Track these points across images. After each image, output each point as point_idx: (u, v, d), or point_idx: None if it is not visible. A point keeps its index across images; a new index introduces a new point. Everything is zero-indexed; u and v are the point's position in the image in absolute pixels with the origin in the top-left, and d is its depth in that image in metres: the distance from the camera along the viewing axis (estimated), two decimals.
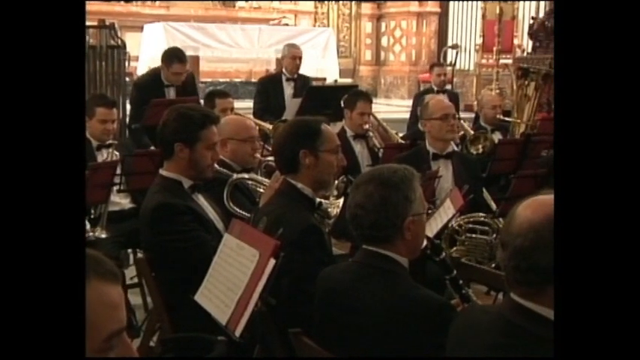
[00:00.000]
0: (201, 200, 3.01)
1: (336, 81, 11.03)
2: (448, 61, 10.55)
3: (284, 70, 6.90)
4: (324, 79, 10.38)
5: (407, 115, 8.44)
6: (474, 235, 3.73)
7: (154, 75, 6.38)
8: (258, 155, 3.78)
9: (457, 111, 7.24)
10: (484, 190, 4.46)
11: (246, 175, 3.38)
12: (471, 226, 3.74)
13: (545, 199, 1.59)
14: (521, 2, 11.30)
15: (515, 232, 1.56)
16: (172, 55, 6.16)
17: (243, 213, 3.14)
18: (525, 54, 9.73)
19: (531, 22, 9.34)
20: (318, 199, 2.73)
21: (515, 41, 10.96)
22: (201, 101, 5.49)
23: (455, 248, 3.71)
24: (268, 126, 5.54)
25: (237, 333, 2.07)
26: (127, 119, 6.48)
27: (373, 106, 5.56)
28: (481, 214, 3.81)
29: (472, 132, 5.73)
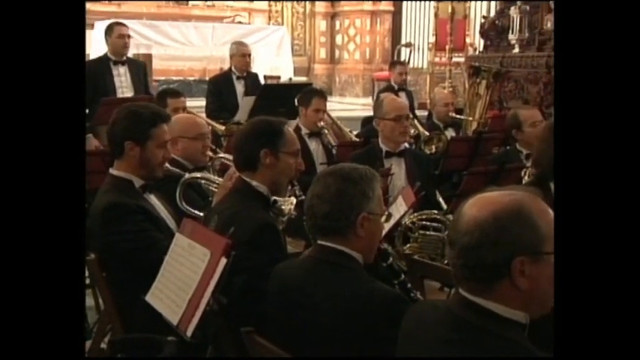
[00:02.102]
0: (153, 199, 2.98)
1: (290, 79, 11.03)
2: (402, 60, 10.63)
3: (233, 68, 6.85)
4: (279, 77, 10.36)
5: (361, 114, 8.48)
6: (427, 232, 3.76)
7: (99, 57, 6.40)
8: (210, 153, 3.75)
9: (412, 109, 7.34)
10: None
11: (198, 174, 3.35)
12: (424, 223, 3.77)
13: (491, 196, 1.61)
14: (473, 2, 11.45)
15: (462, 230, 1.58)
16: (111, 23, 6.25)
17: (196, 212, 3.12)
18: (477, 52, 9.85)
19: (482, 21, 9.46)
20: (273, 197, 2.73)
21: (467, 40, 11.10)
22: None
23: (408, 245, 3.73)
24: (221, 127, 5.51)
25: (189, 333, 2.05)
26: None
27: (327, 104, 5.57)
28: (434, 211, 3.85)
29: (426, 132, 5.77)
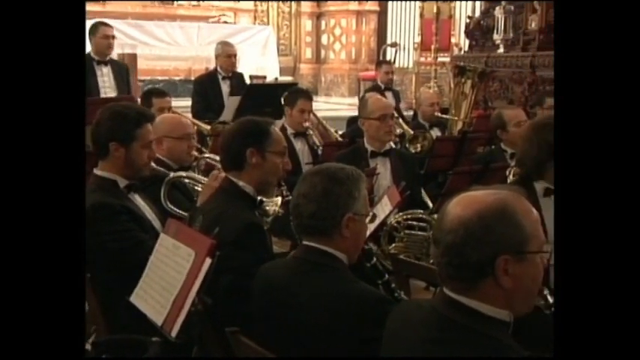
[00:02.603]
0: (138, 200, 2.97)
1: (276, 79, 11.02)
2: (387, 59, 10.66)
3: (219, 68, 6.85)
4: (264, 77, 10.35)
5: (347, 113, 8.48)
6: (412, 232, 3.76)
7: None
8: (195, 152, 3.74)
9: (398, 109, 7.35)
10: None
11: (183, 174, 3.34)
12: (409, 222, 3.77)
13: (475, 195, 1.61)
14: (458, 2, 11.49)
15: (447, 228, 1.58)
16: (96, 23, 6.26)
17: (181, 212, 3.11)
18: (462, 52, 9.89)
19: (467, 21, 9.50)
20: (259, 197, 2.73)
21: (453, 40, 11.15)
22: (138, 100, 5.41)
23: (394, 245, 3.73)
24: (206, 127, 5.50)
25: (173, 333, 2.04)
26: None
27: (313, 104, 5.57)
28: (419, 210, 3.85)
29: (411, 131, 5.78)
